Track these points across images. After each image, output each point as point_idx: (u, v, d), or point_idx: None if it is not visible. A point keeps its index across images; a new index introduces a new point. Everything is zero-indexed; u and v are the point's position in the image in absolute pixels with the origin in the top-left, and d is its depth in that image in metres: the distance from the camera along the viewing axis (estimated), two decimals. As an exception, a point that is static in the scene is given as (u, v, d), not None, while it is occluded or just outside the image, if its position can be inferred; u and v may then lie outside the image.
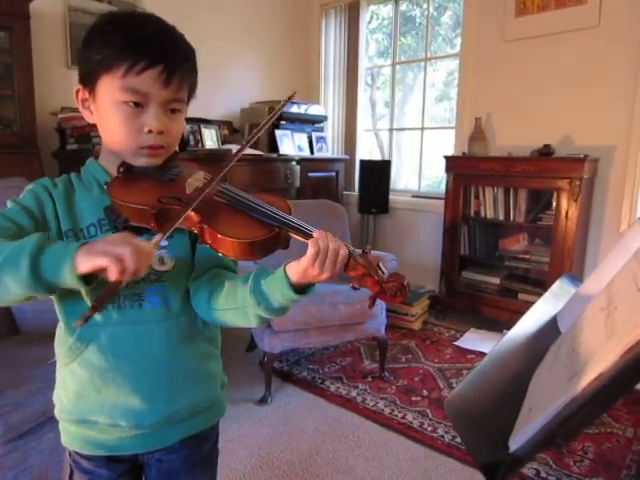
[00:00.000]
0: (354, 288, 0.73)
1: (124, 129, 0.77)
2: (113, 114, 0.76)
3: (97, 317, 0.78)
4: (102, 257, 0.60)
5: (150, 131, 0.77)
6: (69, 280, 0.63)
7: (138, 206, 0.74)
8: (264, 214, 0.75)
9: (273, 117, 0.90)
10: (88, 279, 0.63)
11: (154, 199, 0.75)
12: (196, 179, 0.81)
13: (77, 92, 0.81)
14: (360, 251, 0.73)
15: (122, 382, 0.80)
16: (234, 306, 0.79)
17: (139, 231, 0.76)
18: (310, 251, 0.69)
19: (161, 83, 0.75)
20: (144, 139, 0.77)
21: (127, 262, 0.60)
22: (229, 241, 0.72)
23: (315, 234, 0.72)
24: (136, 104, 0.76)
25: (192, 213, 0.73)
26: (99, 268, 0.61)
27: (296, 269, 0.71)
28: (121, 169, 0.80)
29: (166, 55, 0.75)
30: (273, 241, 0.74)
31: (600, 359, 0.44)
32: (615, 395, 0.44)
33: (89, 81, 0.78)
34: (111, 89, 0.75)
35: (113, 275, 0.60)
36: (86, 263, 0.61)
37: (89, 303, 0.76)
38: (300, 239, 0.73)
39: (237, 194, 0.80)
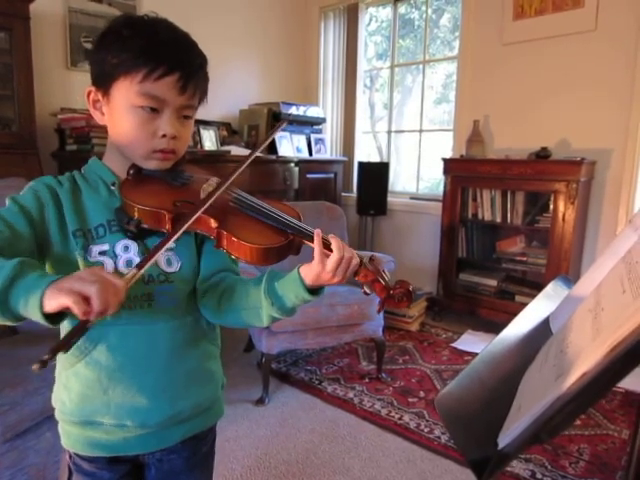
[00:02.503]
0: (366, 293, 0.78)
1: (138, 133, 0.78)
2: (128, 118, 0.77)
3: (107, 317, 0.79)
4: (67, 296, 0.56)
5: (164, 135, 0.78)
6: (35, 317, 0.60)
7: (154, 209, 0.76)
8: (279, 221, 0.79)
9: (277, 130, 0.92)
10: (58, 317, 0.61)
11: (170, 203, 0.77)
12: (210, 185, 0.83)
13: (89, 93, 0.82)
14: (368, 258, 0.77)
15: (129, 381, 0.81)
16: (246, 307, 0.82)
17: (151, 233, 0.78)
18: (316, 250, 0.73)
19: (177, 90, 0.77)
20: (157, 143, 0.79)
21: (93, 301, 0.57)
22: (246, 246, 0.74)
23: (331, 239, 0.74)
24: (152, 109, 0.77)
25: (211, 219, 0.76)
26: (64, 307, 0.57)
27: (310, 271, 0.74)
28: (131, 171, 0.81)
29: (183, 63, 0.77)
30: (287, 247, 0.77)
31: (585, 359, 0.45)
32: (598, 393, 0.46)
33: (104, 83, 0.79)
34: (127, 93, 0.76)
35: (78, 315, 0.57)
36: (53, 302, 0.57)
37: None
38: (313, 245, 0.75)
39: (252, 201, 0.82)
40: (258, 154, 0.93)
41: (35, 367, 0.54)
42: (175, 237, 0.71)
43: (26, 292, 0.60)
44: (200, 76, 0.82)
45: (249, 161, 0.85)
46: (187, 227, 0.72)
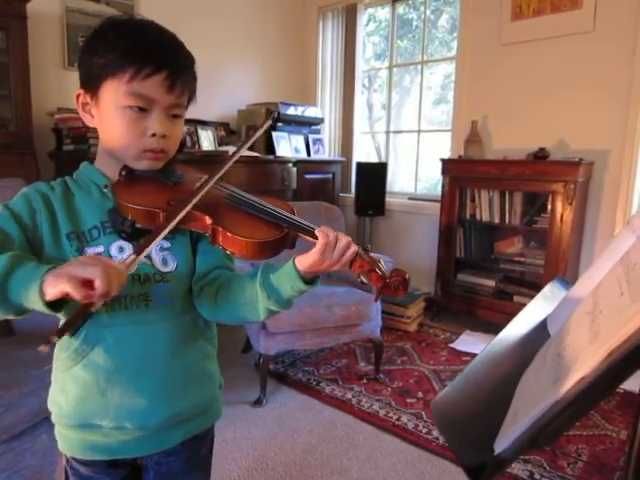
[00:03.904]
0: (362, 283, 0.79)
1: (128, 133, 0.78)
2: (117, 118, 0.77)
3: (104, 317, 0.79)
4: (66, 282, 0.57)
5: (154, 135, 0.78)
6: (37, 307, 0.61)
7: (148, 208, 0.76)
8: (273, 215, 0.79)
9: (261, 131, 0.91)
10: (60, 303, 0.61)
11: (163, 202, 0.77)
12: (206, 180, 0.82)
13: (78, 96, 0.82)
14: (362, 248, 0.79)
15: (127, 383, 0.81)
16: (243, 301, 0.82)
17: (145, 233, 0.78)
18: (320, 242, 0.74)
19: (165, 88, 0.77)
20: (147, 143, 0.79)
21: (97, 283, 0.57)
22: (242, 241, 0.75)
23: (322, 227, 0.76)
24: (140, 109, 0.77)
25: (205, 216, 0.77)
26: (64, 294, 0.58)
27: (305, 260, 0.75)
28: (123, 172, 0.81)
29: (170, 61, 0.77)
30: (282, 241, 0.78)
31: (583, 363, 0.45)
32: (596, 398, 0.45)
33: (92, 85, 0.79)
34: (115, 94, 0.76)
35: (79, 299, 0.58)
36: (52, 289, 0.58)
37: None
38: (308, 238, 0.77)
39: (245, 197, 0.83)
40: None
41: (42, 348, 0.57)
42: (173, 224, 0.72)
43: (25, 282, 0.60)
44: (188, 74, 0.82)
45: (245, 148, 0.87)
46: (184, 213, 0.73)
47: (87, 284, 0.57)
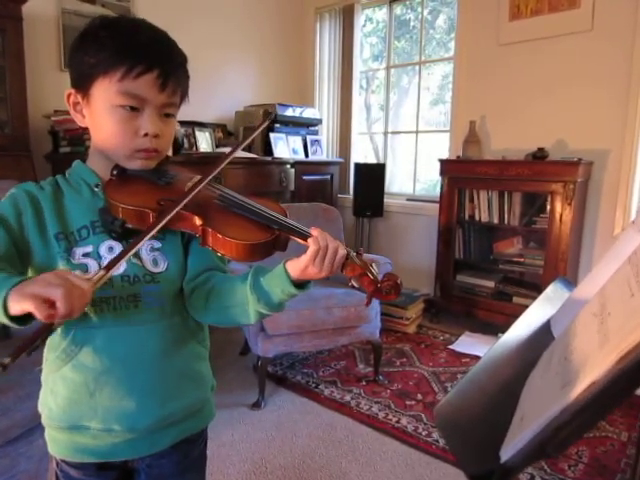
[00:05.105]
0: (353, 287, 0.79)
1: (120, 132, 0.77)
2: (108, 118, 0.77)
3: (93, 318, 0.78)
4: (29, 300, 0.56)
5: (146, 134, 0.78)
6: (4, 321, 0.59)
7: (138, 208, 0.75)
8: (265, 217, 0.79)
9: (260, 129, 0.94)
10: (26, 318, 0.59)
11: (154, 201, 0.76)
12: (194, 182, 0.82)
13: (68, 96, 0.81)
14: (355, 252, 0.78)
15: (117, 384, 0.80)
16: (234, 304, 0.81)
17: (135, 233, 0.77)
18: (312, 249, 0.73)
19: (157, 87, 0.76)
20: (139, 142, 0.78)
21: (58, 305, 0.56)
22: (233, 243, 0.74)
23: (314, 232, 0.75)
24: (132, 108, 0.76)
25: (195, 217, 0.76)
26: (27, 312, 0.57)
27: (296, 266, 0.75)
28: (114, 172, 0.80)
29: (162, 60, 0.77)
30: (273, 243, 0.77)
31: (593, 367, 0.43)
32: (609, 405, 0.43)
33: (83, 85, 0.78)
34: (106, 93, 0.76)
35: (40, 319, 0.56)
36: (16, 305, 0.57)
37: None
38: (299, 241, 0.76)
39: (237, 198, 0.82)
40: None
41: None
42: (146, 238, 0.70)
43: None
44: (180, 73, 0.81)
45: (231, 157, 0.87)
46: (159, 228, 0.71)
47: (50, 304, 0.56)
